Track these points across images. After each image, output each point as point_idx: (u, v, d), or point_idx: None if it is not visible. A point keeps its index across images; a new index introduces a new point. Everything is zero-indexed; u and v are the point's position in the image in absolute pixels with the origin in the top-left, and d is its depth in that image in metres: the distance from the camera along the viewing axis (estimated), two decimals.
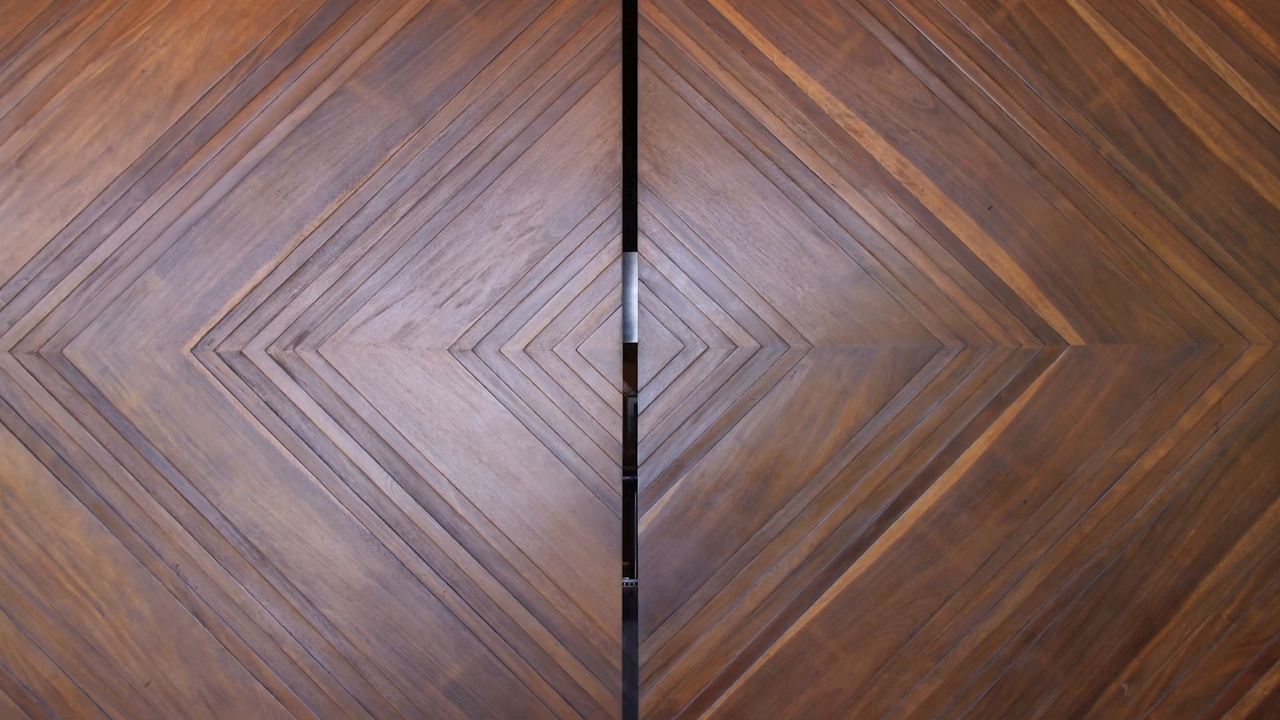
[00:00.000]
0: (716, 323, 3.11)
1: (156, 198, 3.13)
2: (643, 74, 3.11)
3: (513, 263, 3.12)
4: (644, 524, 3.08)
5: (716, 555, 3.08)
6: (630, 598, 3.56)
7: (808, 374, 3.08)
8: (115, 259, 3.12)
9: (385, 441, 3.10)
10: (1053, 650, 3.05)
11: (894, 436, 3.06)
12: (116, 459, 3.08)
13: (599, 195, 3.11)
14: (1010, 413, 3.05)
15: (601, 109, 3.13)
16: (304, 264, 3.12)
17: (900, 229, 3.07)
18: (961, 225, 3.07)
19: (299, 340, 3.11)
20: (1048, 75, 3.09)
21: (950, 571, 3.05)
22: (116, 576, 3.10)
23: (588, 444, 3.10)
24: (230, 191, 3.13)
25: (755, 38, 3.11)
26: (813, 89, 3.10)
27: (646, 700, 3.09)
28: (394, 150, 3.14)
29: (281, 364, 3.12)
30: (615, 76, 3.14)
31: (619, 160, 3.13)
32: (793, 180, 3.09)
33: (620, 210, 3.12)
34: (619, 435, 3.11)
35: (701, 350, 3.10)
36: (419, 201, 3.13)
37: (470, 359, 3.12)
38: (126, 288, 3.13)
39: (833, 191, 3.09)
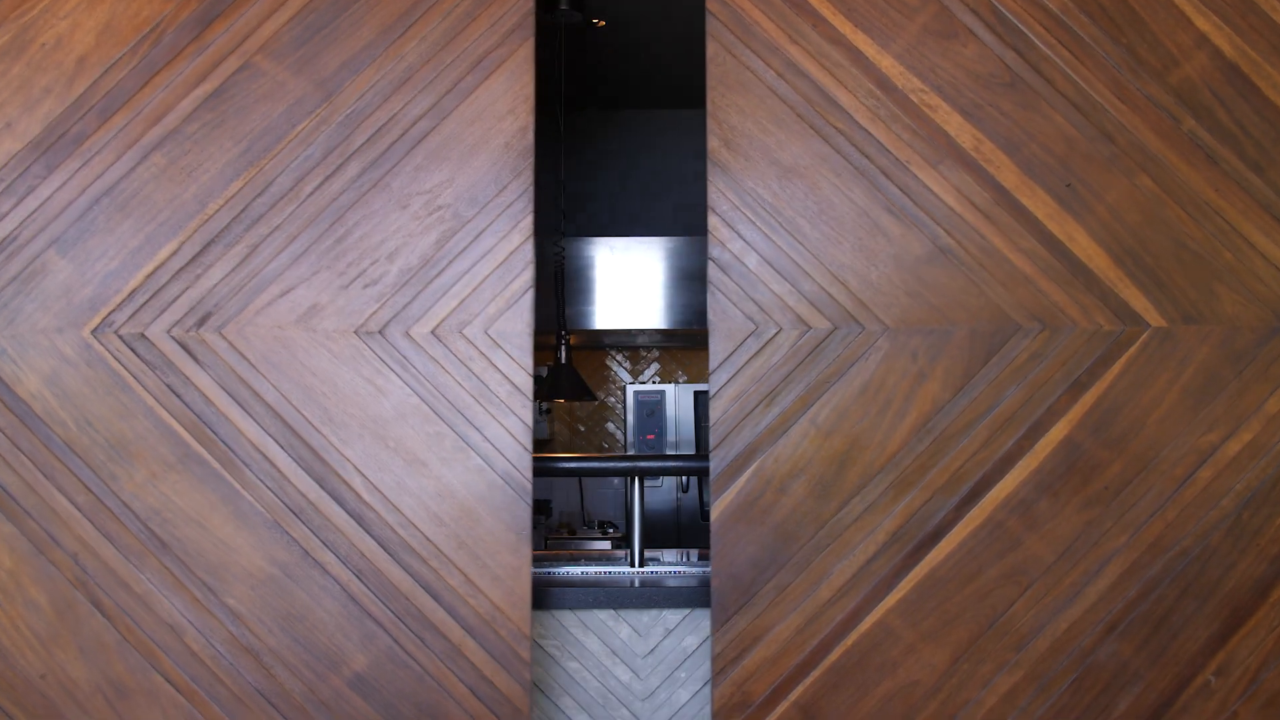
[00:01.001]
0: (789, 303, 3.02)
1: (57, 175, 3.04)
2: (711, 47, 3.02)
3: (421, 242, 3.04)
4: (716, 510, 2.99)
5: (791, 543, 2.99)
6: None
7: (883, 356, 3.00)
8: (14, 238, 3.02)
9: (290, 426, 3.02)
10: (1136, 641, 2.96)
11: (971, 420, 2.98)
12: (14, 444, 2.98)
13: (510, 173, 3.03)
14: (1090, 396, 2.97)
15: (513, 84, 3.05)
16: (208, 243, 3.04)
17: (976, 207, 2.99)
18: (1039, 203, 2.99)
19: (202, 322, 3.03)
20: (1126, 48, 3.01)
21: (1030, 560, 2.97)
22: (13, 565, 2.99)
23: (497, 429, 3.02)
24: (133, 169, 3.04)
25: (827, 10, 3.03)
26: (886, 63, 3.02)
27: (720, 692, 2.99)
28: (300, 127, 3.06)
29: (184, 346, 3.04)
30: (527, 51, 3.05)
31: (530, 137, 3.04)
32: (866, 157, 3.01)
33: (532, 188, 3.03)
34: (529, 420, 3.03)
35: (774, 332, 3.01)
36: (326, 179, 3.05)
37: (377, 341, 3.04)
38: (25, 267, 3.03)
39: (907, 168, 3.01)
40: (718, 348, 2.99)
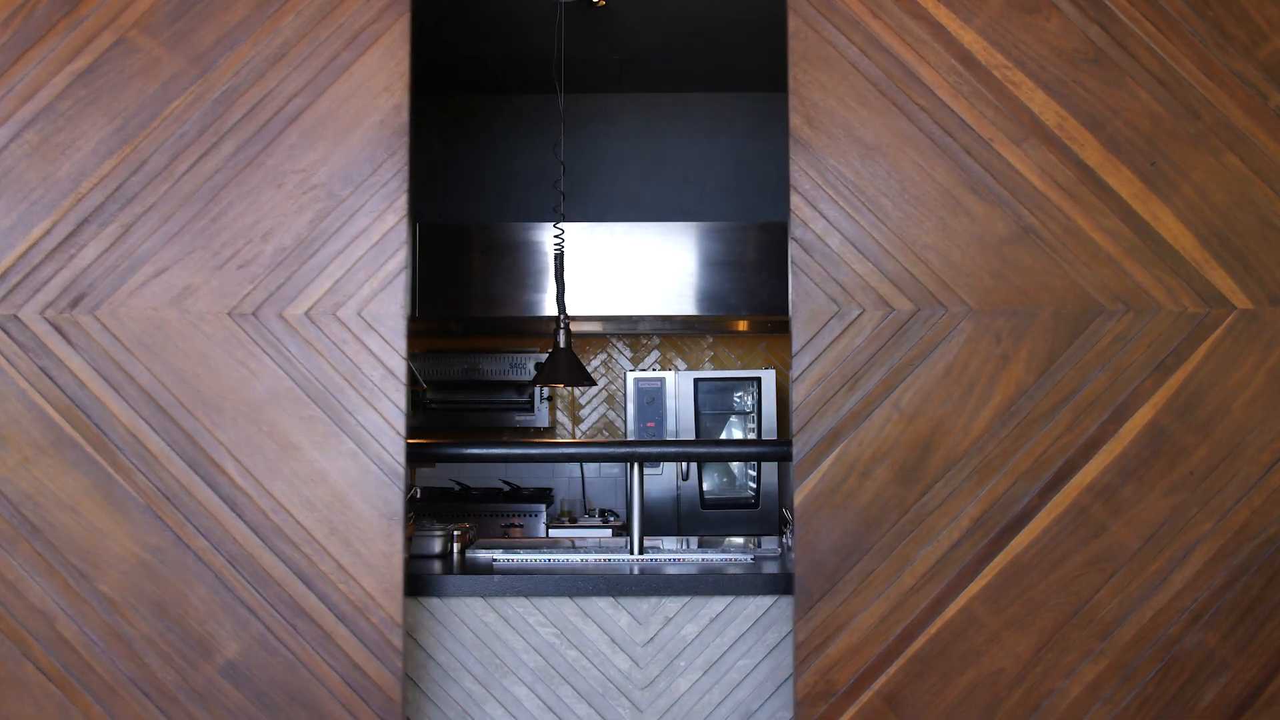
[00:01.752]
0: (872, 284, 2.96)
1: None
2: (793, 22, 2.95)
3: (295, 222, 2.99)
4: (799, 496, 2.93)
5: (875, 529, 2.93)
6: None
7: (966, 338, 2.93)
8: None
9: (163, 410, 2.96)
10: (1222, 630, 2.92)
11: (1055, 404, 2.92)
12: None
13: (384, 151, 2.98)
14: (1176, 379, 2.93)
15: (388, 60, 2.99)
16: (81, 223, 2.97)
17: (1060, 185, 2.93)
18: (1123, 182, 2.93)
19: (75, 303, 2.97)
20: (1213, 22, 2.96)
21: (1115, 546, 2.92)
22: None
23: (370, 414, 2.97)
24: (4, 147, 2.97)
25: None
26: (968, 38, 2.95)
27: (804, 681, 2.93)
28: (175, 104, 2.99)
29: (57, 328, 2.97)
30: (403, 27, 2.99)
31: (405, 115, 2.99)
32: (948, 134, 2.94)
33: (406, 167, 2.98)
34: (402, 404, 2.99)
35: (857, 314, 2.95)
36: (200, 158, 2.98)
37: (251, 324, 2.98)
38: None
39: (990, 146, 2.94)
40: (800, 330, 2.93)
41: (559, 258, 4.27)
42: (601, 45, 5.85)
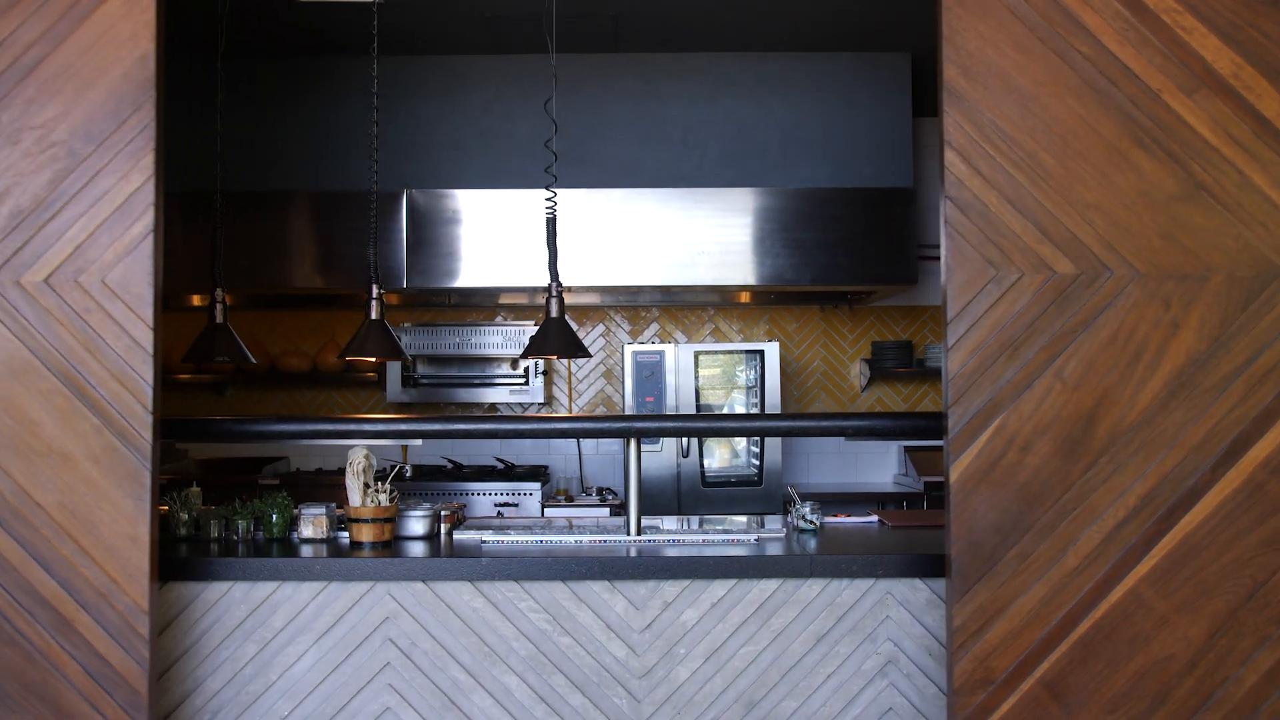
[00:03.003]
0: (1032, 245, 2.79)
1: None
2: None
3: (33, 183, 2.82)
4: (955, 472, 2.78)
5: (1035, 507, 2.79)
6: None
7: (1133, 304, 2.78)
8: None
9: None
10: None
11: (1229, 374, 2.77)
12: None
13: (129, 106, 2.81)
14: None
15: (133, 7, 2.81)
16: None
17: (1234, 139, 2.77)
18: None
19: None
20: None
21: None
22: None
23: (116, 388, 2.84)
24: None
25: None
26: None
27: (961, 668, 2.80)
28: None
29: None
30: None
31: (152, 67, 2.81)
32: (1113, 84, 2.77)
33: (154, 124, 2.81)
34: (150, 377, 2.84)
35: (1016, 277, 2.79)
36: None
37: None
38: None
39: (1158, 97, 2.78)
40: (954, 295, 2.78)
41: (551, 222, 4.01)
42: (595, 2, 5.58)
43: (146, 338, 2.80)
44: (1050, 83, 2.77)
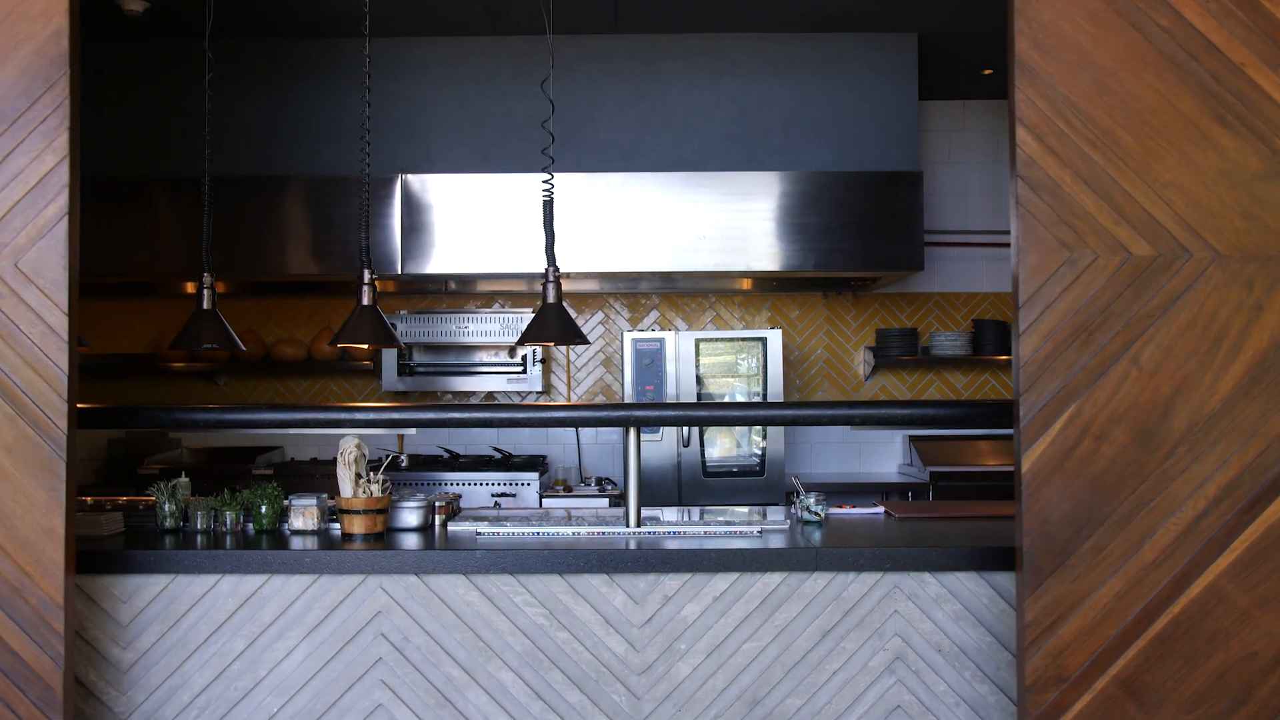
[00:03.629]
0: (1107, 226, 2.66)
1: None
2: None
3: None
4: (1027, 462, 2.66)
5: (1111, 498, 2.67)
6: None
7: (1213, 287, 2.66)
8: None
9: None
10: None
11: None
12: None
13: (42, 84, 2.71)
14: None
15: None
16: None
17: None
18: None
19: None
20: None
21: None
22: None
23: (29, 375, 2.75)
24: None
25: None
26: None
27: (1033, 664, 2.68)
28: None
29: None
30: None
31: (66, 43, 2.70)
32: (1194, 58, 2.64)
33: (68, 102, 2.71)
34: (65, 365, 2.76)
35: (1091, 259, 2.67)
36: None
37: None
38: None
39: (1241, 72, 2.64)
40: (1026, 278, 2.68)
41: (548, 205, 3.83)
42: None
43: (62, 324, 2.72)
44: (1128, 57, 2.65)
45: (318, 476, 6.25)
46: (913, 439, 6.99)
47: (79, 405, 2.85)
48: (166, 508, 3.73)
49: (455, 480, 6.26)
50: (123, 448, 6.68)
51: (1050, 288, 2.68)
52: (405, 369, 6.72)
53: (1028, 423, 2.67)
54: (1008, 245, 6.97)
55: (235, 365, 6.82)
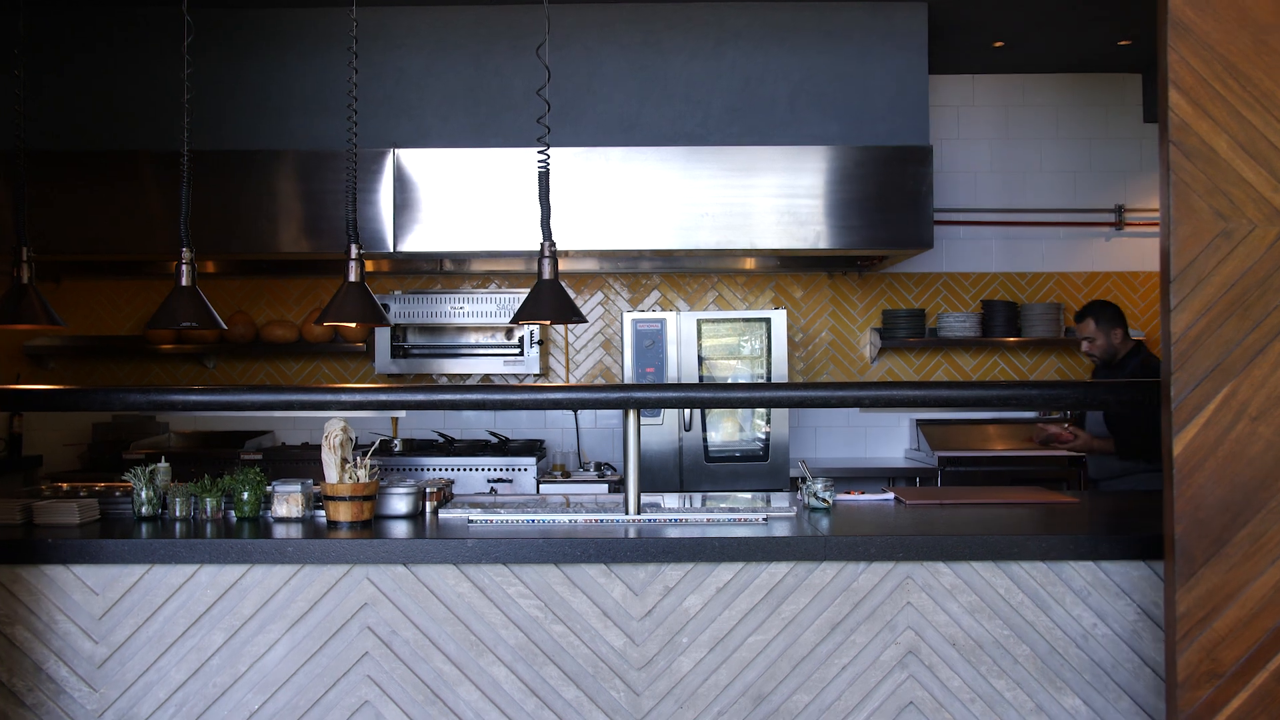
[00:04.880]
0: (1266, 195, 2.53)
1: None
2: None
3: None
4: (1179, 445, 2.55)
5: (1270, 483, 2.55)
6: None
7: None
8: None
9: None
10: None
11: None
12: None
13: None
14: None
15: None
16: None
17: None
18: None
19: None
20: None
21: None
22: None
23: None
24: None
25: None
26: None
27: (1186, 659, 2.55)
28: None
29: None
30: None
31: None
32: None
33: None
34: None
35: (1248, 230, 2.54)
36: None
37: None
38: None
39: None
40: (1179, 250, 2.54)
41: (543, 176, 3.66)
42: None
43: None
44: None
45: (309, 461, 6.09)
46: (921, 423, 6.82)
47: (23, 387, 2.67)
48: (143, 494, 3.59)
49: (450, 465, 6.10)
50: (109, 432, 6.52)
51: (1204, 260, 2.57)
52: (399, 351, 6.56)
53: (1179, 403, 2.56)
54: (1017, 224, 6.90)
55: (225, 347, 6.65)
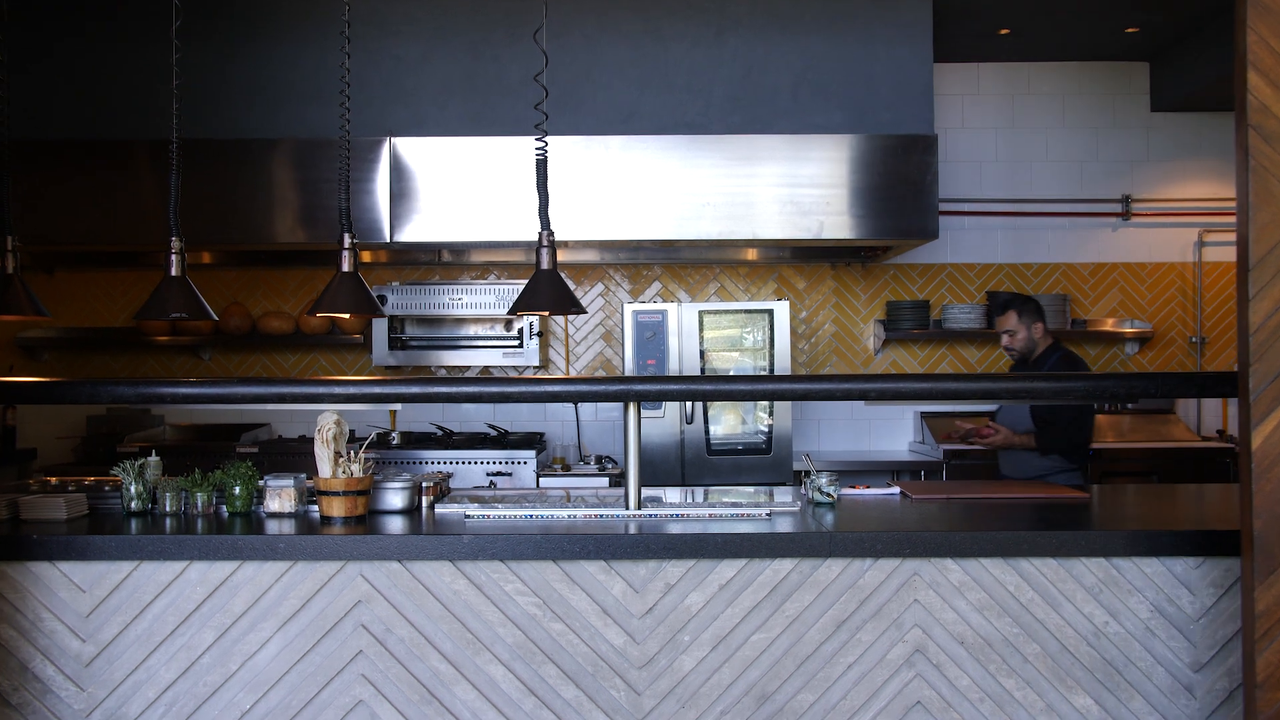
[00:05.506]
0: None
1: None
2: None
3: None
4: (1259, 439, 2.48)
5: None
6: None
7: None
8: None
9: None
10: None
11: None
12: None
13: None
14: None
15: None
16: None
17: None
18: None
19: None
20: None
21: None
22: None
23: None
24: None
25: None
26: None
27: (1264, 659, 2.47)
28: None
29: None
30: None
31: None
32: None
33: None
34: None
35: None
36: None
37: None
38: None
39: None
40: (1259, 237, 2.47)
41: (541, 164, 3.58)
42: None
43: None
44: None
45: (306, 455, 6.00)
46: (925, 415, 6.74)
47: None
48: (133, 489, 3.51)
49: (449, 458, 6.03)
50: (103, 425, 6.45)
51: None
52: (397, 343, 6.48)
53: (1258, 396, 2.49)
54: (1023, 214, 6.82)
55: (221, 339, 6.58)
